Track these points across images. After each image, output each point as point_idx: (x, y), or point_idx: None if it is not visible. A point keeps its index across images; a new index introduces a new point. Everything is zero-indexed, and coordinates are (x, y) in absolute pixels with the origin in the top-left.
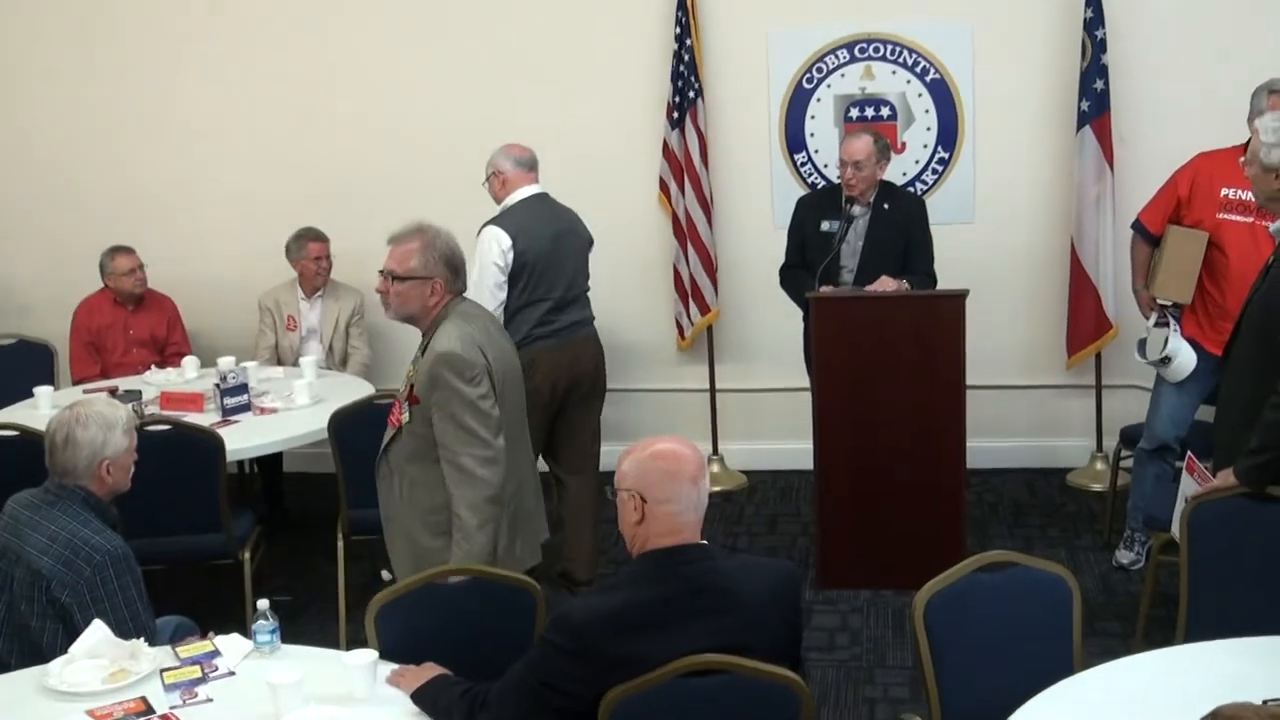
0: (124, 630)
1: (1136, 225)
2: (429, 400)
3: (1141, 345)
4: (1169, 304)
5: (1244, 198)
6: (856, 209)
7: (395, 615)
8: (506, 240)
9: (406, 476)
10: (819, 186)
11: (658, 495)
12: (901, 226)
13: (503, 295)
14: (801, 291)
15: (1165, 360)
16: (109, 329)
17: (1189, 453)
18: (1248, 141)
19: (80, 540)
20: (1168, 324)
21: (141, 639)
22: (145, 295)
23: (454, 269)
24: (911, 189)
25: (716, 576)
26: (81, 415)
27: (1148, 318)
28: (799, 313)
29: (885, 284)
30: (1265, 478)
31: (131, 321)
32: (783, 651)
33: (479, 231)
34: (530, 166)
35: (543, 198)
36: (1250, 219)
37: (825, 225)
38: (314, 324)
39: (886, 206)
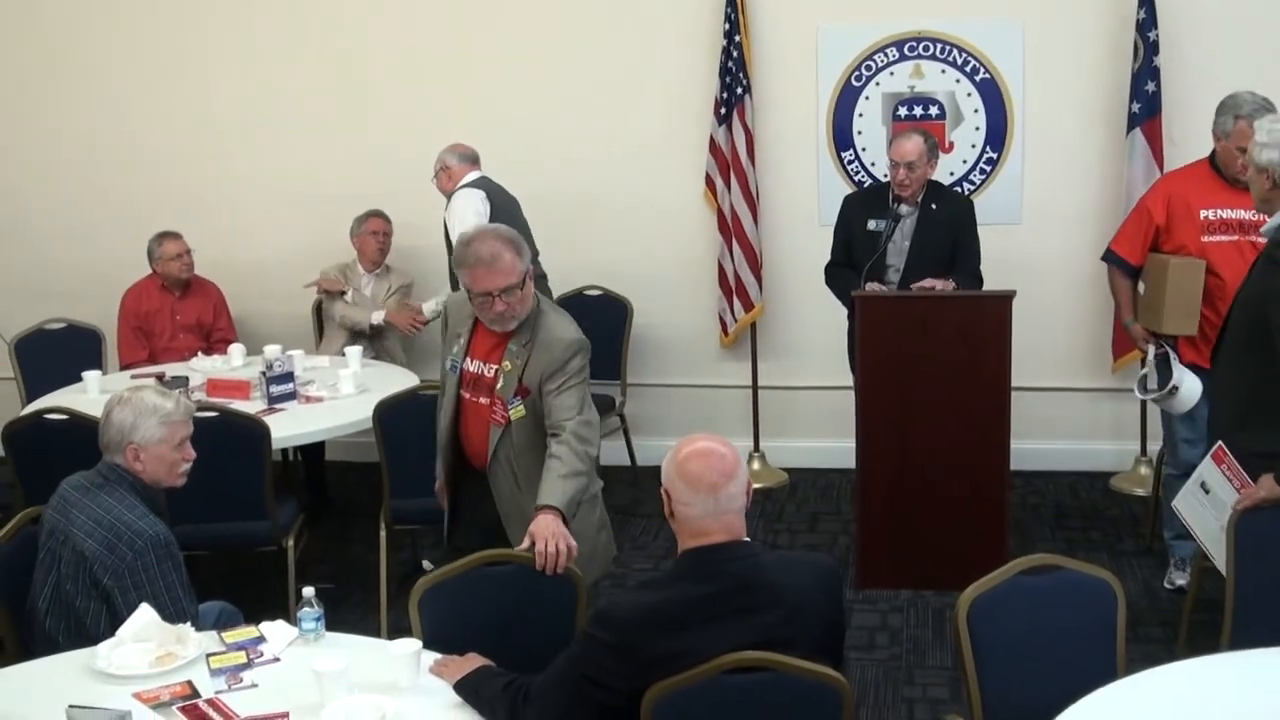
0: (165, 615)
1: (1110, 256)
2: (544, 384)
3: (1143, 381)
4: (1157, 335)
5: (1225, 216)
6: (904, 209)
7: (439, 601)
8: (480, 193)
9: (522, 468)
10: (865, 185)
11: (679, 497)
12: (948, 227)
13: None
14: (847, 290)
15: (1173, 390)
16: (156, 314)
17: (1219, 442)
18: (1209, 156)
19: (124, 524)
20: (1166, 354)
21: (187, 624)
22: (192, 281)
23: (526, 246)
24: (959, 189)
25: (758, 573)
26: (126, 396)
27: (1144, 351)
28: (842, 311)
29: (931, 283)
30: None
31: (179, 307)
32: (826, 646)
33: (447, 204)
34: (474, 160)
35: (486, 177)
36: (1235, 237)
37: (872, 224)
38: (367, 299)
39: (934, 207)
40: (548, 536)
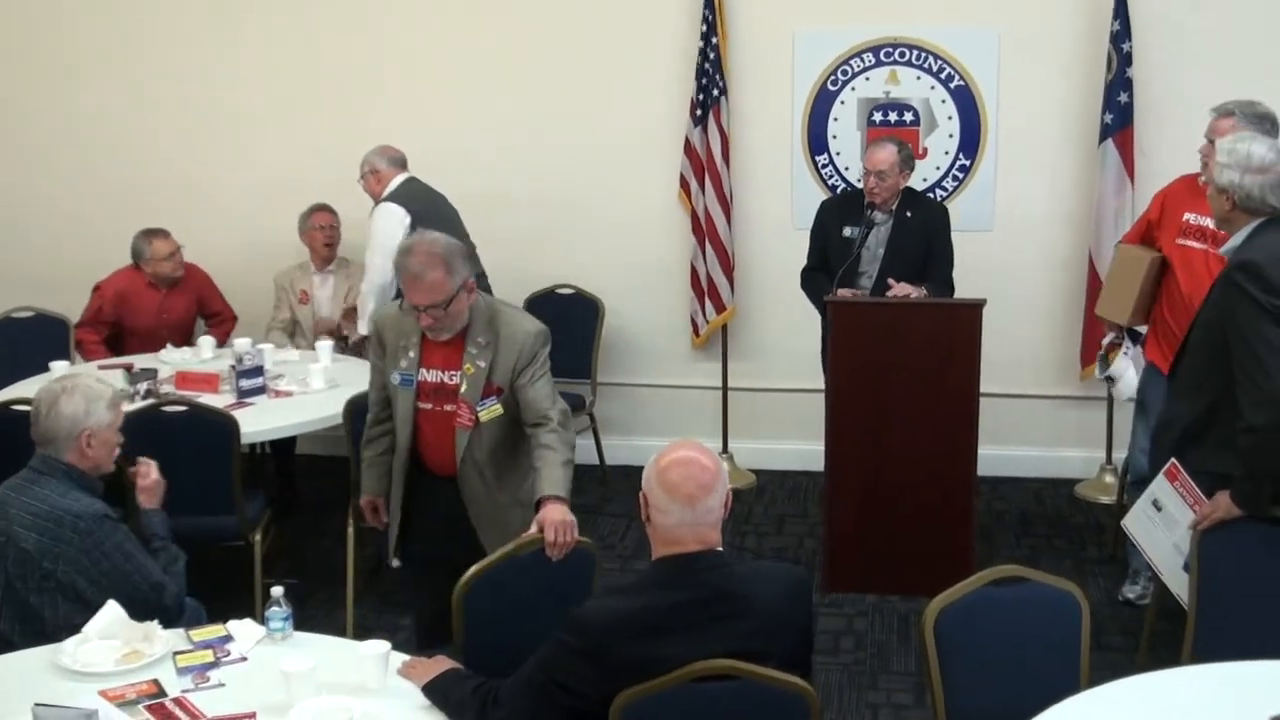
0: (137, 585)
1: (1118, 248)
2: (517, 379)
3: (1104, 367)
4: (1120, 325)
5: (1204, 224)
6: (879, 215)
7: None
8: (401, 211)
9: (492, 466)
10: (840, 190)
11: (656, 504)
12: (922, 235)
13: None
14: (821, 295)
15: (1110, 380)
16: (140, 310)
17: (1173, 459)
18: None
19: (61, 510)
20: (1122, 344)
21: (167, 597)
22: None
23: (465, 257)
24: (931, 195)
25: (731, 583)
26: (69, 385)
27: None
28: (814, 314)
29: (902, 289)
30: (1261, 502)
31: (166, 304)
32: (795, 657)
33: (371, 213)
34: (402, 164)
35: (413, 179)
36: (1205, 246)
37: (847, 231)
38: (325, 297)
39: (909, 214)
40: (557, 525)
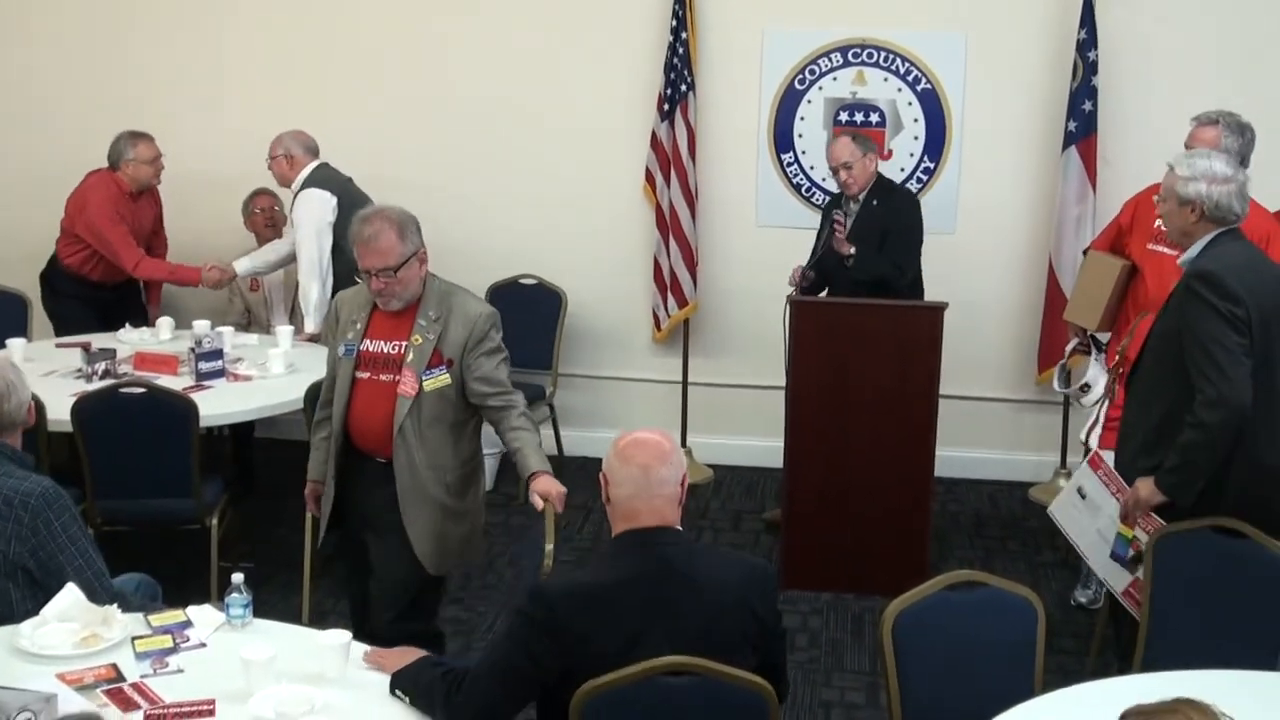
0: (79, 570)
1: (1086, 251)
2: (469, 356)
3: (1063, 374)
4: (1086, 331)
5: None
6: (851, 205)
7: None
8: (327, 194)
9: (428, 443)
10: (803, 187)
11: (612, 477)
12: (883, 221)
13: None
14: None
15: (1084, 388)
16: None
17: (1096, 450)
18: None
19: (9, 491)
20: (1088, 351)
21: (104, 592)
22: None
23: (419, 228)
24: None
25: (684, 560)
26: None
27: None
28: (777, 312)
29: (841, 244)
30: (1187, 491)
31: (136, 213)
32: (748, 646)
33: (293, 200)
34: (315, 150)
35: (326, 164)
36: (1175, 252)
37: (835, 216)
38: (275, 281)
39: (875, 203)
40: (553, 492)
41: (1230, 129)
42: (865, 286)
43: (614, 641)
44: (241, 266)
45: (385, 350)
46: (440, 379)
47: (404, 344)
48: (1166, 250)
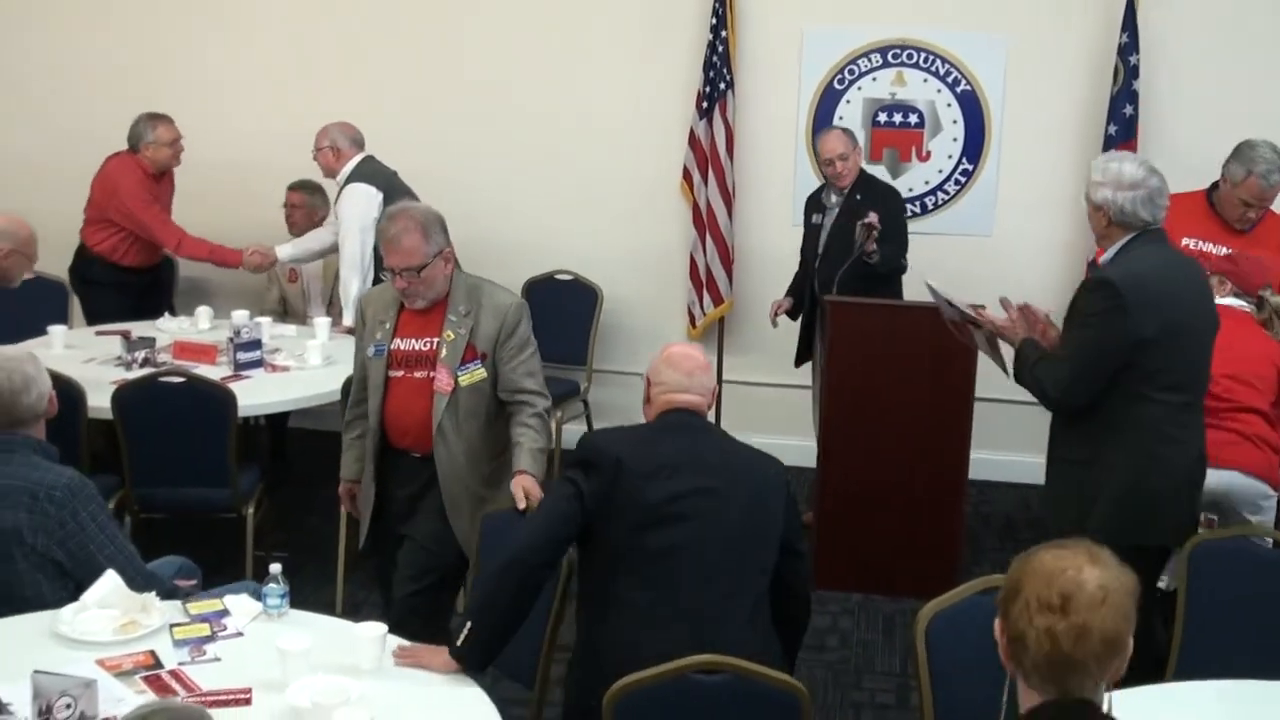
0: (111, 557)
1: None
2: (500, 349)
3: None
4: None
5: (1204, 249)
6: (832, 198)
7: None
8: (373, 189)
9: (466, 436)
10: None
11: (655, 377)
12: (867, 212)
13: None
14: (798, 287)
15: None
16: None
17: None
18: (1209, 189)
19: (33, 483)
20: None
21: (139, 576)
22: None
23: (445, 228)
24: (933, 198)
25: (711, 438)
26: (12, 366)
27: None
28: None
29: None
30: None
31: (158, 192)
32: (785, 543)
33: (338, 195)
34: (361, 143)
35: (371, 157)
36: (1208, 269)
37: (815, 218)
38: (314, 273)
39: (858, 197)
40: (534, 493)
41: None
42: (861, 280)
43: (647, 465)
44: (283, 253)
45: (417, 348)
46: (476, 373)
47: (436, 340)
48: None
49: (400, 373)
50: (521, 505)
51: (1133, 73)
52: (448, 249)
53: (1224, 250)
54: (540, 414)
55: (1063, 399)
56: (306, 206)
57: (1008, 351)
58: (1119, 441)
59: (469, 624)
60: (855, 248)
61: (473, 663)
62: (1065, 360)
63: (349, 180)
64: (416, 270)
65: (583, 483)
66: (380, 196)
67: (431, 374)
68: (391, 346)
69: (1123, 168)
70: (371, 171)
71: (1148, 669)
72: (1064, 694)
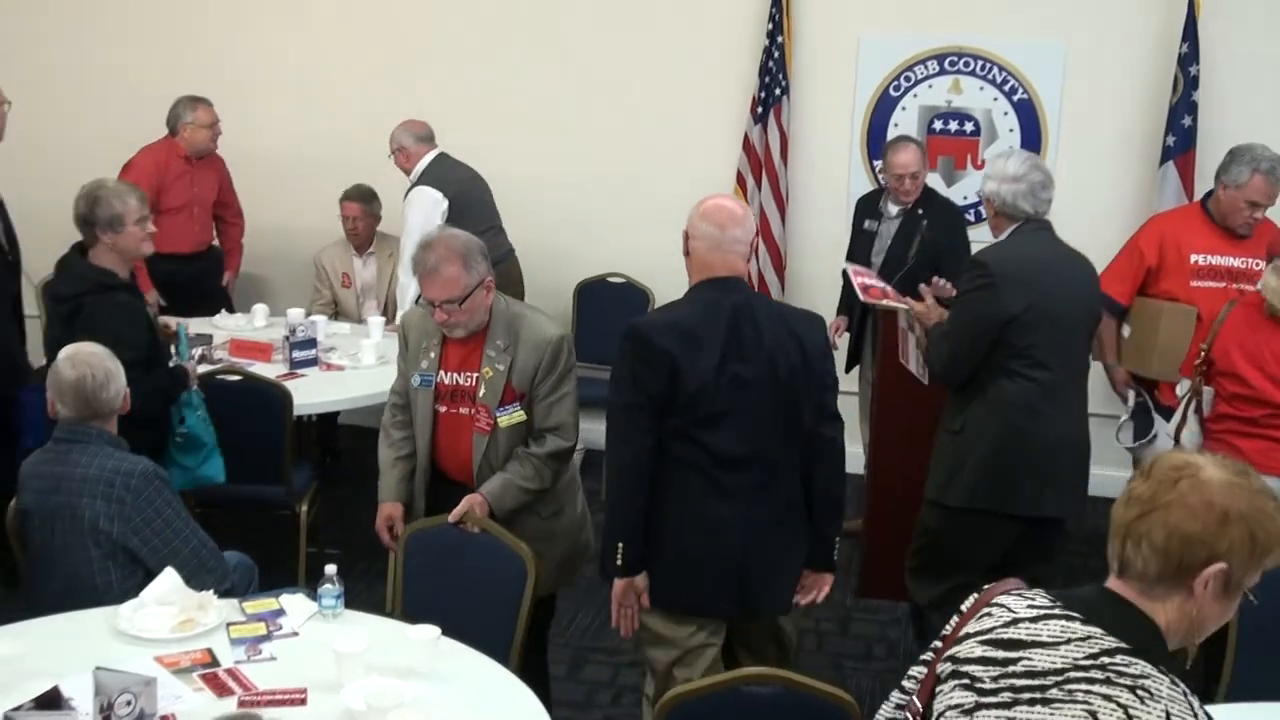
0: (187, 540)
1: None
2: (537, 386)
3: (1127, 430)
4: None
5: (1214, 263)
6: (892, 209)
7: None
8: (438, 195)
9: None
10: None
11: (693, 232)
12: (926, 230)
13: None
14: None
15: (1154, 438)
16: (176, 181)
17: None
18: (1202, 200)
19: (110, 470)
20: (1145, 403)
21: (216, 563)
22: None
23: (485, 255)
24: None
25: (747, 304)
26: (89, 360)
27: (1125, 399)
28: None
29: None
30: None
31: (197, 176)
32: (808, 385)
33: (406, 194)
34: (429, 139)
35: (444, 155)
36: (1224, 284)
37: (867, 224)
38: (369, 280)
39: (920, 212)
40: (475, 513)
41: None
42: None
43: (689, 365)
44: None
45: (459, 382)
46: (515, 415)
47: (475, 375)
48: (1213, 284)
49: (445, 408)
50: (454, 520)
51: (1192, 83)
52: (489, 278)
53: (1235, 261)
54: (553, 454)
55: (944, 373)
56: (367, 216)
57: None
58: (984, 413)
59: (620, 544)
60: (909, 259)
61: (636, 570)
62: (945, 337)
63: (418, 182)
64: (458, 301)
65: (648, 382)
66: (445, 203)
67: (473, 411)
68: (436, 380)
69: (1008, 163)
70: (441, 174)
71: None
72: None
